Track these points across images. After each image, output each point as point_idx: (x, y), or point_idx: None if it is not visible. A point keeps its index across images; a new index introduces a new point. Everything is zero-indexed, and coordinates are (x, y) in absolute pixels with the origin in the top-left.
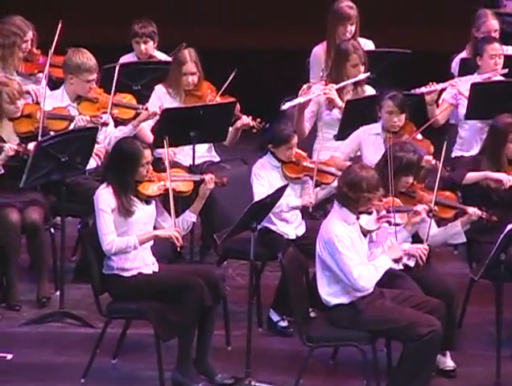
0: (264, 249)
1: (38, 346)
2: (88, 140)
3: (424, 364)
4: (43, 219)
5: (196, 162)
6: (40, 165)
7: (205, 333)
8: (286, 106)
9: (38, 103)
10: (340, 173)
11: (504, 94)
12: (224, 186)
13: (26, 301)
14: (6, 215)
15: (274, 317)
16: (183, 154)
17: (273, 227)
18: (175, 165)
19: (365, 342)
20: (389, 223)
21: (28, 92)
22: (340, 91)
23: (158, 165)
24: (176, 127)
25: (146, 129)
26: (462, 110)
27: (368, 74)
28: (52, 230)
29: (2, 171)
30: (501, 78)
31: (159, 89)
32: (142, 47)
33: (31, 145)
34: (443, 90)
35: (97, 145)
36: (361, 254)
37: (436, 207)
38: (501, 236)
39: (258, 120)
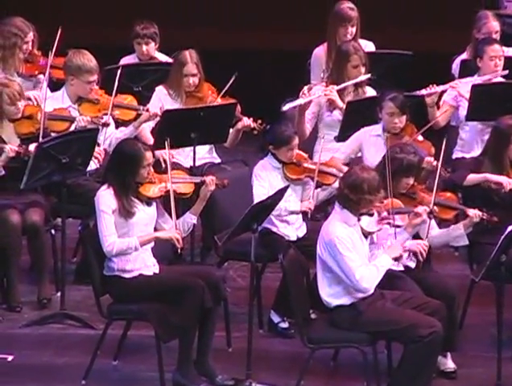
0: (265, 251)
1: (39, 348)
2: (88, 141)
3: (425, 366)
4: (44, 220)
5: (197, 164)
6: (41, 166)
7: (206, 334)
8: (286, 107)
9: (39, 105)
10: (341, 174)
11: (504, 95)
12: (224, 188)
13: (26, 303)
14: (6, 216)
15: (275, 318)
16: (184, 156)
17: (274, 229)
18: (175, 166)
19: (365, 344)
20: (390, 224)
21: (30, 99)
22: (340, 92)
23: (158, 166)
24: (177, 128)
25: (146, 130)
26: (463, 112)
27: (369, 75)
28: (53, 231)
29: (3, 172)
30: (502, 79)
31: (160, 90)
32: (144, 48)
33: (32, 147)
34: (443, 92)
35: (96, 148)
36: (362, 255)
37: (437, 208)
38: (502, 237)
39: (259, 121)
